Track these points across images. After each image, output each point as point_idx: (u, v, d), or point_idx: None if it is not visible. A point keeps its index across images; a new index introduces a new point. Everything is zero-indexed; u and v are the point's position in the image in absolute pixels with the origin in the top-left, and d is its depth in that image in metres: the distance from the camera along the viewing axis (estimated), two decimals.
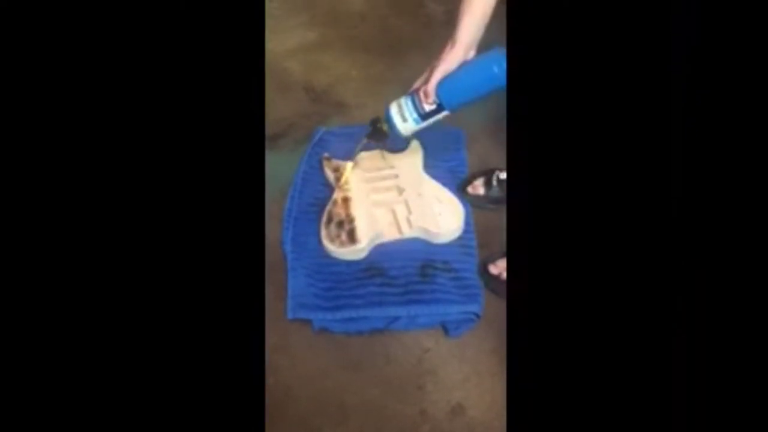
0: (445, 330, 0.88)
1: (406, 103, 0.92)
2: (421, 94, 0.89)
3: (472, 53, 0.86)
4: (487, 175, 1.06)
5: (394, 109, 0.94)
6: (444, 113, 0.91)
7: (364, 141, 1.01)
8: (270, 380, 0.81)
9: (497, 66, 0.83)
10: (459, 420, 0.78)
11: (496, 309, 0.89)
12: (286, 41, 1.52)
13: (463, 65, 0.86)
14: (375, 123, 0.98)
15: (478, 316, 0.88)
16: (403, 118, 0.93)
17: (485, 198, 1.05)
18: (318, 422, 0.79)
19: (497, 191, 1.04)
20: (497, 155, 1.12)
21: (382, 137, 0.99)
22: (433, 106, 0.90)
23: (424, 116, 0.91)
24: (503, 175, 1.04)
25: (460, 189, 1.07)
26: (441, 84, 0.87)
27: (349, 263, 0.96)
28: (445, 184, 1.05)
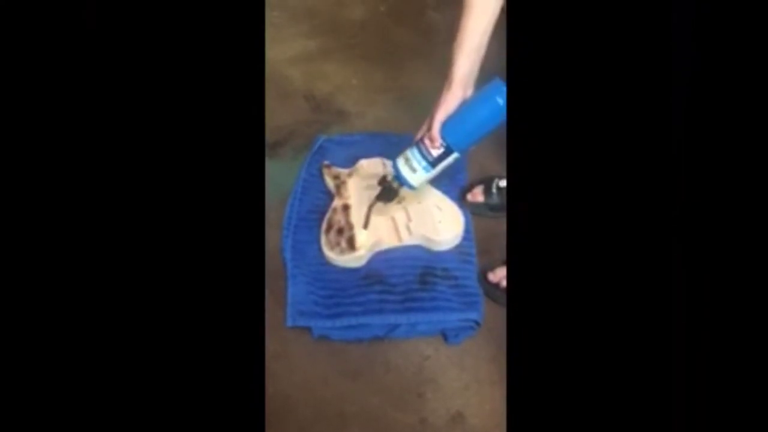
0: (445, 337, 0.88)
1: (412, 153, 0.88)
2: (427, 141, 0.86)
3: (470, 91, 0.83)
4: (487, 182, 1.06)
5: (401, 163, 0.90)
6: (454, 156, 0.87)
7: (375, 203, 0.97)
8: (269, 388, 0.81)
9: (501, 97, 0.80)
10: (459, 428, 0.78)
11: (496, 316, 0.89)
12: (287, 50, 1.53)
13: (464, 104, 0.82)
14: (383, 182, 0.94)
15: (478, 323, 0.88)
16: (413, 169, 0.89)
17: (485, 205, 1.05)
18: (317, 430, 0.79)
19: (496, 199, 1.04)
20: (497, 163, 1.12)
21: (393, 195, 0.96)
22: (441, 150, 0.86)
23: (433, 163, 0.87)
24: (503, 183, 1.05)
25: (459, 196, 1.07)
26: (445, 126, 0.83)
27: (349, 271, 0.96)
28: (444, 192, 1.05)
